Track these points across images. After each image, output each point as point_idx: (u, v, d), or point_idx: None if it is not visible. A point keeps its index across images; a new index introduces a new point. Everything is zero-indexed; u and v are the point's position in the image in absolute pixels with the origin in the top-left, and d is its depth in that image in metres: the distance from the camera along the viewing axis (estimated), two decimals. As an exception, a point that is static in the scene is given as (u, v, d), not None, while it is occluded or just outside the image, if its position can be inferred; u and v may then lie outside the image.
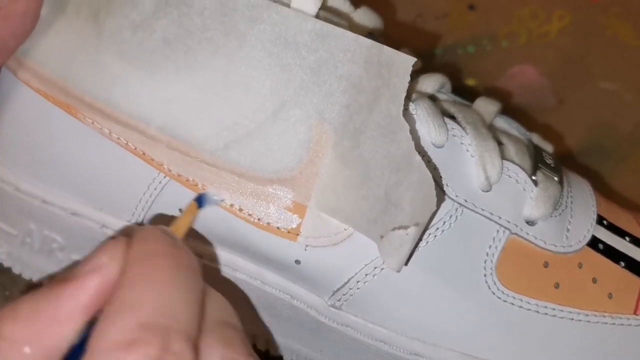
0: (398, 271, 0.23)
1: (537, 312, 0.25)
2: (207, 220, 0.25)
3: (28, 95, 0.25)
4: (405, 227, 0.21)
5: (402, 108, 0.22)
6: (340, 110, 0.23)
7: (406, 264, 0.23)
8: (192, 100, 0.24)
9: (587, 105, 0.36)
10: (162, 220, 0.25)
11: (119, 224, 0.26)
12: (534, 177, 0.26)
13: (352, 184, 0.23)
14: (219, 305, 0.20)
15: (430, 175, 0.22)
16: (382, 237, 0.22)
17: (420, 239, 0.23)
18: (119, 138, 0.25)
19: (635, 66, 0.36)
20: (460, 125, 0.25)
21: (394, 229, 0.22)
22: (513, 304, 0.25)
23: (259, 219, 0.24)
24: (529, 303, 0.25)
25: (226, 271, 0.26)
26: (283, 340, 0.28)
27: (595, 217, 0.27)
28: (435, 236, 0.24)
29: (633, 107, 0.37)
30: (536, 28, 0.34)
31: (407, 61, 0.22)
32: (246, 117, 0.24)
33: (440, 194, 0.24)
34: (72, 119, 0.25)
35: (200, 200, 0.23)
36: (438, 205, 0.22)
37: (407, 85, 0.22)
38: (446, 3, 0.35)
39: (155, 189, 0.25)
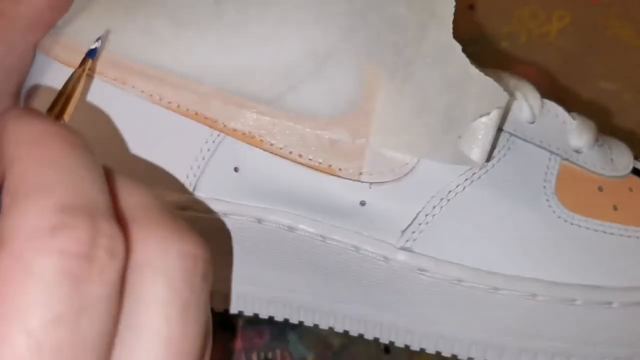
0: (483, 162, 0.23)
1: (604, 232, 0.25)
2: (265, 173, 0.24)
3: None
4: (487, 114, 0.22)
5: (451, 33, 0.24)
6: (388, 48, 0.24)
7: (488, 159, 0.23)
8: (245, 53, 0.24)
9: (587, 105, 0.38)
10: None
11: (171, 195, 0.25)
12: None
13: (410, 114, 0.24)
14: (132, 188, 0.18)
15: (491, 79, 0.23)
16: (459, 137, 0.23)
17: (499, 129, 0.24)
18: (169, 102, 0.25)
19: (635, 66, 0.37)
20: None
21: (475, 120, 0.22)
22: (580, 225, 0.25)
23: (319, 163, 0.24)
24: (595, 224, 0.25)
25: (285, 233, 0.25)
26: (350, 307, 0.26)
27: (632, 153, 0.28)
28: (494, 165, 0.25)
29: (633, 107, 0.37)
30: (536, 28, 0.36)
31: (450, -10, 0.24)
32: (300, 64, 0.24)
33: (513, 98, 0.24)
34: (120, 92, 0.25)
35: (91, 53, 0.22)
36: (512, 104, 0.23)
37: (452, 11, 0.24)
38: None
39: (208, 150, 0.25)
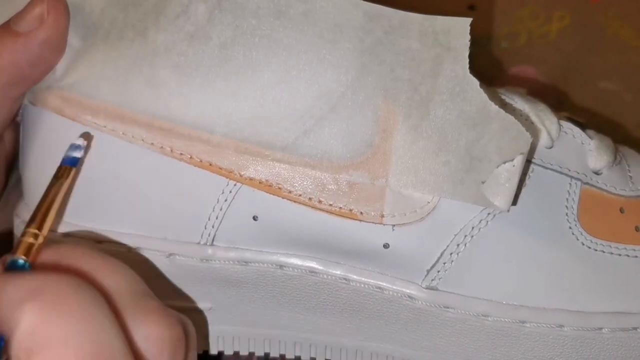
0: (507, 210, 0.22)
1: (627, 255, 0.25)
2: (285, 220, 0.24)
3: (78, 131, 0.25)
4: (510, 160, 0.21)
5: (467, 67, 0.23)
6: (403, 85, 0.24)
7: (514, 203, 0.22)
8: (255, 99, 0.24)
9: (587, 105, 0.38)
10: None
11: (187, 248, 0.25)
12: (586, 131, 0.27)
13: (429, 153, 0.23)
14: (121, 276, 0.19)
15: (512, 117, 0.22)
16: (483, 182, 0.22)
17: (523, 175, 0.23)
18: (181, 154, 0.24)
19: (635, 66, 0.37)
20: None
21: (498, 167, 0.22)
22: (604, 251, 0.25)
23: (340, 208, 0.24)
24: (618, 248, 0.25)
25: (307, 277, 0.25)
26: (376, 345, 0.26)
27: (648, 165, 0.28)
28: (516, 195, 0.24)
29: (633, 107, 0.38)
30: (536, 28, 0.35)
31: (463, 22, 0.23)
32: (313, 107, 0.24)
33: (533, 126, 0.24)
34: (127, 146, 0.24)
35: (71, 161, 0.22)
36: (533, 138, 0.23)
37: (468, 44, 0.23)
38: (446, 3, 0.36)
39: (225, 200, 0.24)
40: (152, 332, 0.18)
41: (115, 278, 0.19)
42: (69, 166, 0.23)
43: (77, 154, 0.23)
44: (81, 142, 0.23)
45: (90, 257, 0.20)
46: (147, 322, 0.19)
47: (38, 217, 0.21)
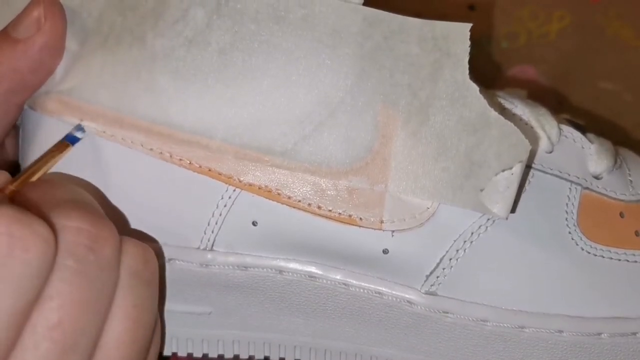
0: (506, 218, 0.22)
1: (627, 260, 0.25)
2: (284, 226, 0.24)
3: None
4: (509, 168, 0.21)
5: (467, 73, 0.23)
6: (402, 91, 0.24)
7: (513, 210, 0.22)
8: (255, 105, 0.24)
9: (587, 105, 0.38)
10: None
11: (187, 253, 0.25)
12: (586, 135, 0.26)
13: (428, 158, 0.23)
14: (53, 187, 0.21)
15: (512, 123, 0.22)
16: (481, 190, 0.22)
17: (523, 181, 0.23)
18: (181, 159, 0.24)
19: (635, 66, 0.37)
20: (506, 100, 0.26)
21: (497, 174, 0.22)
22: (603, 256, 0.25)
23: (339, 213, 0.24)
24: (617, 253, 0.25)
25: (307, 282, 0.25)
26: (375, 349, 0.26)
27: (648, 169, 0.27)
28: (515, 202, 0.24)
29: (633, 107, 0.37)
30: (536, 28, 0.35)
31: (463, 27, 0.23)
32: (312, 112, 0.24)
33: (533, 131, 0.24)
34: (126, 151, 0.24)
35: (72, 139, 0.24)
36: (533, 143, 0.23)
37: (468, 50, 0.23)
38: (446, 3, 0.36)
39: (225, 205, 0.24)
40: (69, 223, 0.20)
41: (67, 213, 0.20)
42: (69, 143, 0.24)
43: (80, 135, 0.24)
44: (87, 124, 0.25)
45: (54, 191, 0.21)
46: (67, 215, 0.20)
47: (21, 177, 0.22)
